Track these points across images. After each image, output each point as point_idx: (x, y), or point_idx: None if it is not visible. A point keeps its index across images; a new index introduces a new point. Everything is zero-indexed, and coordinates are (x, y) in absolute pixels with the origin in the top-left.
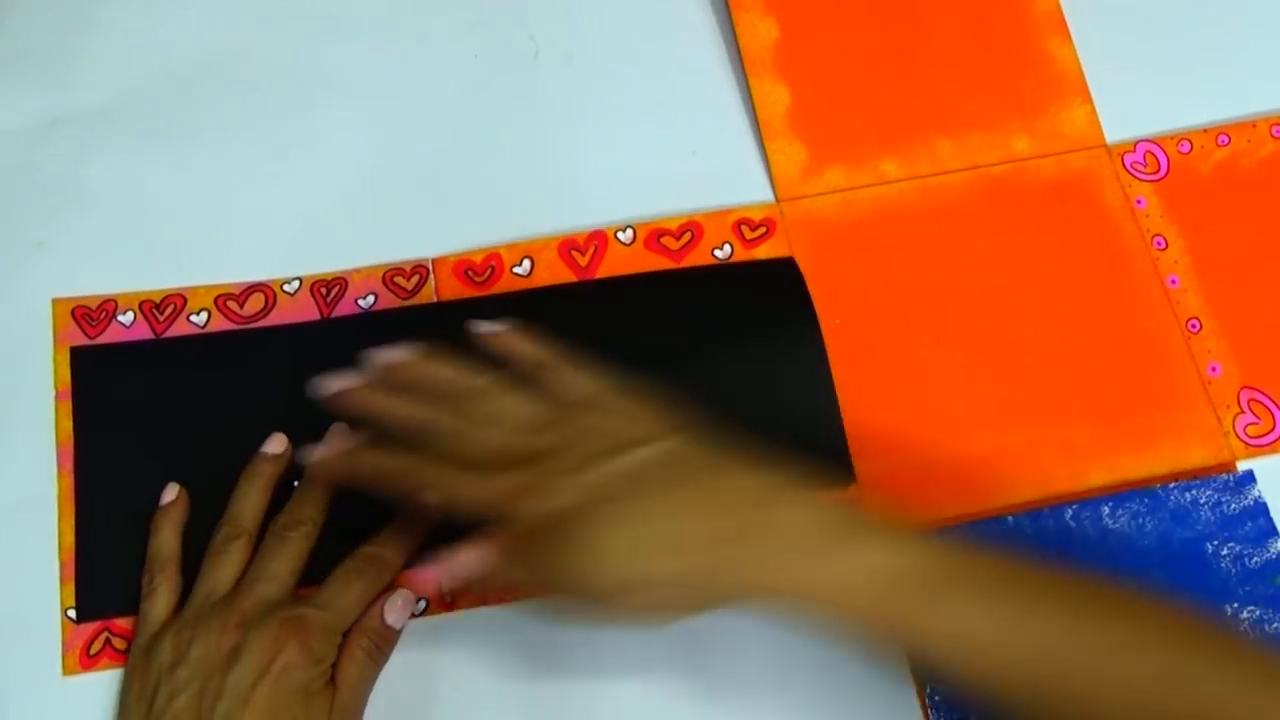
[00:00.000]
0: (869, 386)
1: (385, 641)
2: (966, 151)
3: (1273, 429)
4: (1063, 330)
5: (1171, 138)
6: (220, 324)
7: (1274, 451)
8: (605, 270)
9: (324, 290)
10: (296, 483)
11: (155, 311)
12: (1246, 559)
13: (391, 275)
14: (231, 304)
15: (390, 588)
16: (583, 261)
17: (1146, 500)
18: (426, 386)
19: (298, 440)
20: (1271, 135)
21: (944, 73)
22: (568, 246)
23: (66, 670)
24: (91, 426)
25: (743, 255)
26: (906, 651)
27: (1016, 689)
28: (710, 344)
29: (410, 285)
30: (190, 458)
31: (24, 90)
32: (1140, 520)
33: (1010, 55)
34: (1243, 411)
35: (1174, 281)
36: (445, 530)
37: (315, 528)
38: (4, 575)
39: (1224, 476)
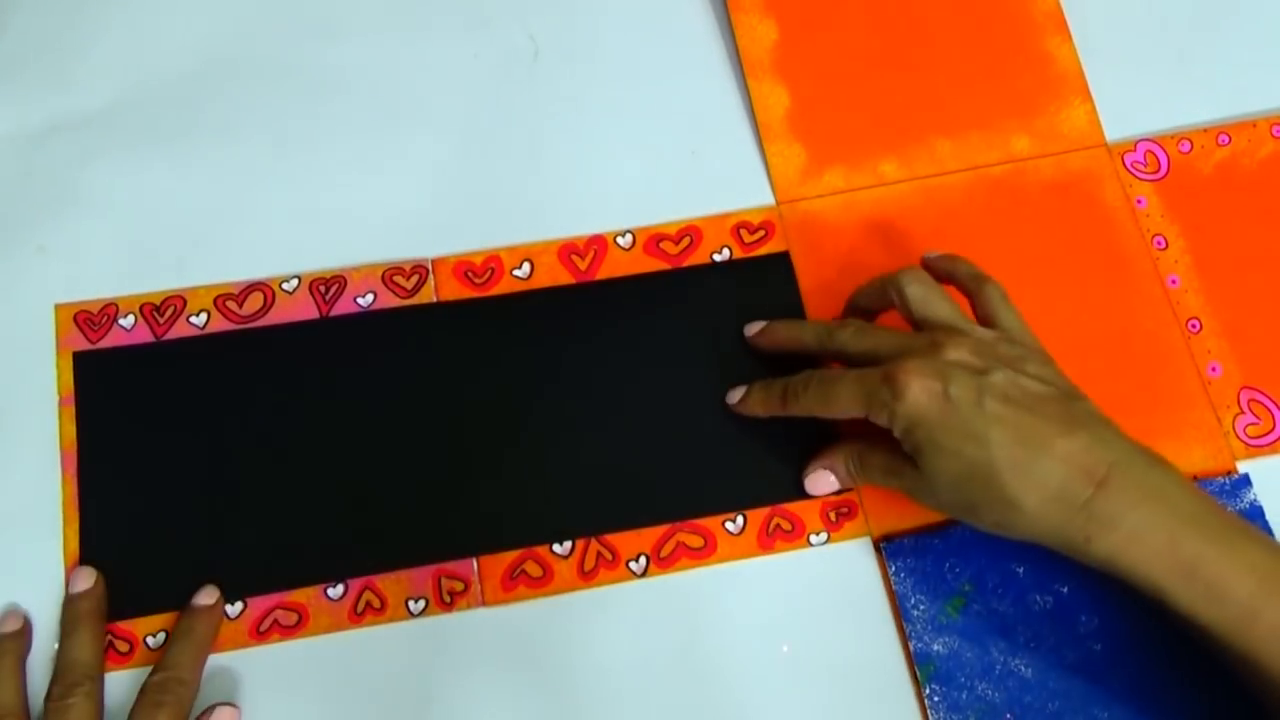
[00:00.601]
0: None
1: None
2: (966, 152)
3: (1273, 429)
4: (1063, 330)
5: (1172, 137)
6: (220, 324)
7: (1274, 452)
8: (604, 274)
9: (323, 289)
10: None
11: (155, 314)
12: None
13: (391, 274)
14: (230, 304)
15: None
16: (582, 265)
17: None
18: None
19: (296, 435)
20: (1272, 135)
21: (944, 73)
22: (568, 250)
23: None
24: (95, 432)
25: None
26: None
27: None
28: (707, 342)
29: (410, 285)
30: (191, 460)
31: (24, 95)
32: None
33: (1010, 55)
34: (1243, 412)
35: (1174, 281)
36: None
37: (95, 685)
38: (8, 580)
39: (1220, 479)
